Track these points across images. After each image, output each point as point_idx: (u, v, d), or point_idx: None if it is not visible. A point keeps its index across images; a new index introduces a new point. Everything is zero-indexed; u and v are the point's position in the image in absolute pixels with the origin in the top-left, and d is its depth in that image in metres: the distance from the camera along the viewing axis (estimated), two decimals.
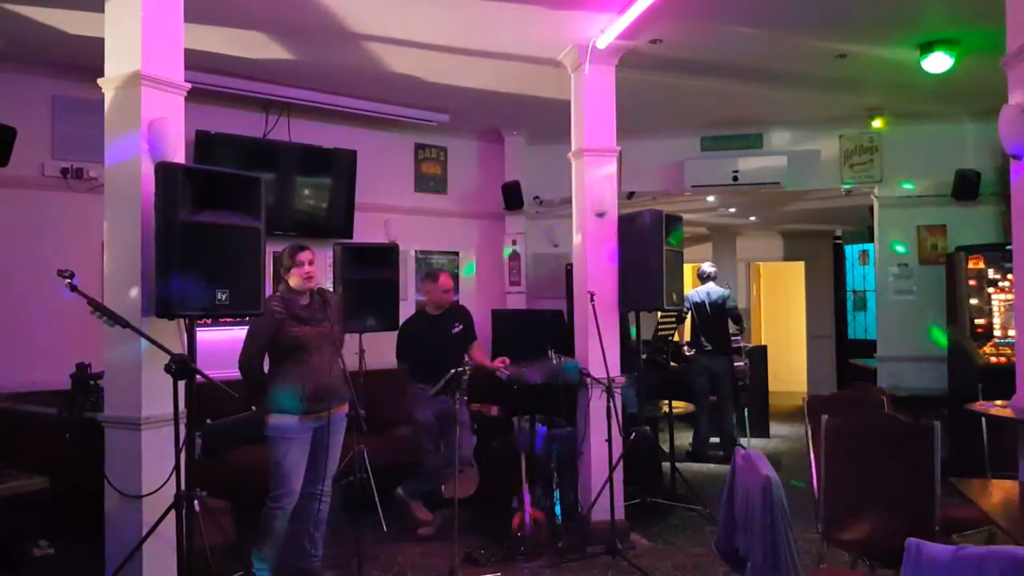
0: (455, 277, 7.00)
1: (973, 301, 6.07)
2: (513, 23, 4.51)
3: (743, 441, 7.07)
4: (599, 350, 4.59)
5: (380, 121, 6.29)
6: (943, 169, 6.48)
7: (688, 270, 7.47)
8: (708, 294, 7.02)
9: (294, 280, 3.74)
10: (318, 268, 3.88)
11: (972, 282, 6.09)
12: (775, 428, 8.22)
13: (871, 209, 7.07)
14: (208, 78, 5.05)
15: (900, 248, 6.73)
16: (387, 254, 5.12)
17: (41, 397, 4.26)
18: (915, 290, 6.68)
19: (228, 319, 4.50)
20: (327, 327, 3.74)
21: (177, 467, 2.86)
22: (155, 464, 3.11)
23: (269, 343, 3.70)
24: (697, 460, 6.87)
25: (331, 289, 4.72)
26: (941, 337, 6.51)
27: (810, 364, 10.85)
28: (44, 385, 4.47)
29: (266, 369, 3.80)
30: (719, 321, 7.01)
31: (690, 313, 7.00)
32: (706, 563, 4.25)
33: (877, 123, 6.52)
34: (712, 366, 6.94)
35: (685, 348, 7.04)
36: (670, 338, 7.11)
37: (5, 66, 4.83)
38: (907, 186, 6.68)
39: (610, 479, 4.49)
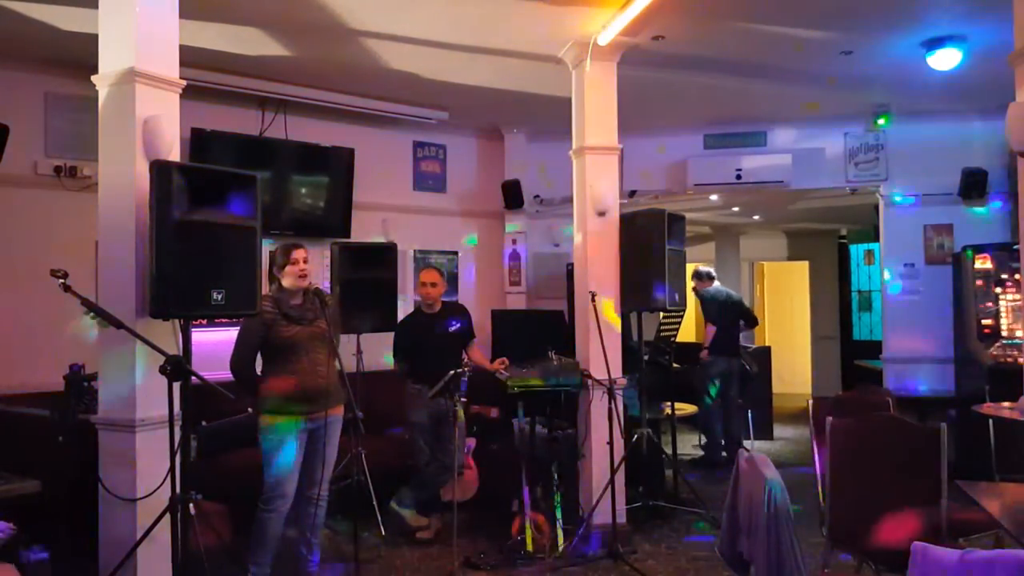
0: (453, 276, 6.95)
1: (980, 302, 6.00)
2: (513, 19, 4.47)
3: (746, 443, 7.01)
4: (600, 351, 4.54)
5: (378, 119, 6.25)
6: (950, 168, 6.42)
7: (691, 270, 7.40)
8: (728, 295, 6.96)
9: (288, 279, 3.68)
10: (312, 267, 3.83)
11: (979, 282, 6.02)
12: (779, 430, 8.16)
13: (876, 208, 7.02)
14: (204, 75, 5.02)
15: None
16: (385, 253, 5.07)
17: (34, 399, 4.22)
18: (921, 290, 6.62)
19: (224, 320, 4.45)
20: (320, 328, 3.67)
21: (172, 470, 2.84)
22: (150, 467, 3.07)
23: (260, 344, 3.64)
24: (711, 466, 6.67)
25: (328, 289, 4.67)
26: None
27: (815, 365, 10.79)
28: (37, 387, 4.43)
29: (259, 370, 3.74)
30: (734, 321, 6.94)
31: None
32: (709, 567, 4.20)
33: (882, 121, 6.46)
34: (727, 368, 6.81)
35: (705, 353, 6.81)
36: (672, 339, 7.04)
37: None
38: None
39: (611, 482, 4.45)
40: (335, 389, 3.70)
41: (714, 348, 6.81)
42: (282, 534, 3.66)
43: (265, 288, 3.52)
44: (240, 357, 3.65)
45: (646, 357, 5.65)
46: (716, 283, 6.99)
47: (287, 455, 3.59)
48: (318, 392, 3.61)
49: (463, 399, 4.27)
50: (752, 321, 7.04)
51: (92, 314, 2.87)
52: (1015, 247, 5.75)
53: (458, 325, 4.84)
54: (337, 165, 6.17)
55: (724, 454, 6.74)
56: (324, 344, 3.67)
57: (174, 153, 3.26)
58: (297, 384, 3.59)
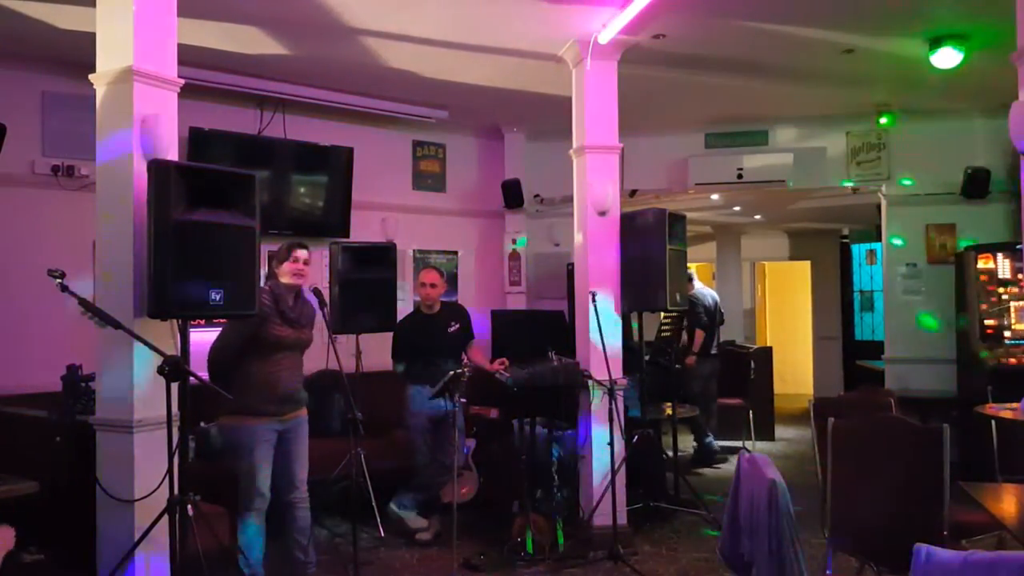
0: (453, 276, 6.93)
1: (983, 302, 5.97)
2: (513, 17, 4.45)
3: (747, 443, 7.00)
4: (600, 351, 4.52)
5: (377, 118, 6.23)
6: (952, 167, 6.39)
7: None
8: (714, 298, 6.96)
9: (285, 276, 3.67)
10: (312, 269, 3.84)
11: (984, 278, 5.97)
12: (780, 431, 8.13)
13: (879, 207, 6.99)
14: (202, 74, 4.99)
15: (898, 241, 6.66)
16: (384, 253, 5.04)
17: (32, 399, 4.19)
18: (923, 290, 6.59)
19: (222, 320, 4.44)
20: (306, 335, 3.73)
21: (170, 471, 2.81)
22: (148, 468, 3.05)
23: (250, 336, 3.56)
24: (707, 466, 6.69)
25: (327, 289, 4.65)
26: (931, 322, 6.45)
27: (816, 365, 10.77)
28: (35, 387, 4.41)
29: None
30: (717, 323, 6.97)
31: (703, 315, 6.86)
32: (710, 568, 4.18)
33: (885, 120, 6.43)
34: (716, 368, 6.85)
35: (692, 358, 6.77)
36: (672, 339, 7.02)
37: None
38: (906, 182, 6.60)
39: (612, 483, 4.43)
40: (302, 393, 3.76)
41: (703, 351, 6.82)
42: (276, 539, 3.64)
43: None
44: (226, 346, 3.60)
45: (647, 357, 5.63)
46: (697, 284, 6.96)
47: (261, 454, 3.58)
48: (290, 395, 3.65)
49: (462, 400, 4.26)
50: (722, 318, 7.10)
51: (90, 314, 2.85)
52: (1018, 247, 5.73)
53: (457, 326, 4.82)
54: (336, 164, 6.15)
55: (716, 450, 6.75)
56: (301, 349, 3.74)
57: (172, 152, 3.24)
58: (273, 384, 3.58)
